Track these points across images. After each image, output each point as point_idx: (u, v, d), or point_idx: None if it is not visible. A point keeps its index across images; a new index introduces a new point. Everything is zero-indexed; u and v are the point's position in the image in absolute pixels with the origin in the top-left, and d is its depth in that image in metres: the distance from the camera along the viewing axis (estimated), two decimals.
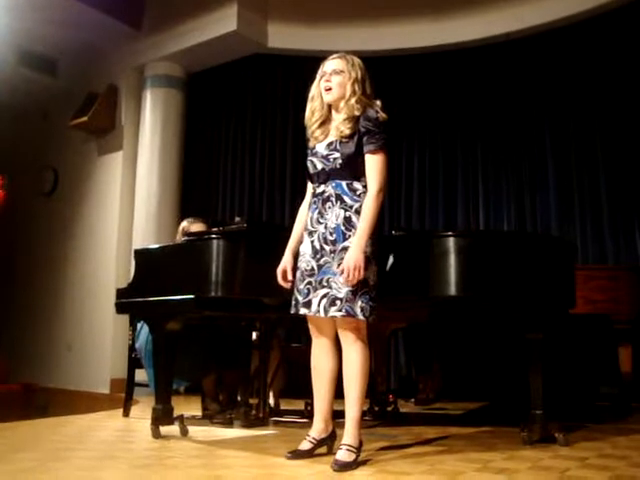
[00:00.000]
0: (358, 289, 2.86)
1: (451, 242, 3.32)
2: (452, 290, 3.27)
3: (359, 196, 2.96)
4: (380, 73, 7.03)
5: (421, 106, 6.99)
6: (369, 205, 2.91)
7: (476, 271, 3.30)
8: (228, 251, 3.39)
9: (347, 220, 2.93)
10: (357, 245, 2.84)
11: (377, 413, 4.63)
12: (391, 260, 3.18)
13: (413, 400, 5.79)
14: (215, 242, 3.41)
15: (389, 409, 4.76)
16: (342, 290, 2.85)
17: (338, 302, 2.85)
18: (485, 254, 3.34)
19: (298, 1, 7.10)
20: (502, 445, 3.43)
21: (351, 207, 2.94)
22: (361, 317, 2.86)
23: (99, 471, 2.78)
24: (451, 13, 6.62)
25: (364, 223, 2.88)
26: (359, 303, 2.86)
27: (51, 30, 7.14)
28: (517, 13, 6.30)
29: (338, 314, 2.85)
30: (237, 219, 3.99)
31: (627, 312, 4.86)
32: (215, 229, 3.84)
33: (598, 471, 2.78)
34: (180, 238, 4.56)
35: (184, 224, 4.86)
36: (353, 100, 3.01)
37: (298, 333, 5.02)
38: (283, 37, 7.05)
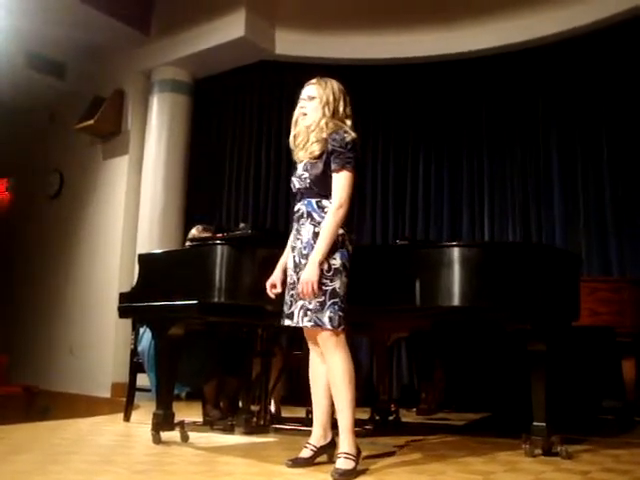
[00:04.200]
0: (326, 299, 2.93)
1: (456, 253, 3.32)
2: (456, 300, 3.27)
3: (327, 213, 3.03)
4: (385, 81, 7.08)
5: (427, 115, 6.98)
6: (327, 221, 3.00)
7: (480, 282, 3.30)
8: (232, 257, 3.39)
9: (316, 235, 3.01)
10: (311, 260, 2.95)
11: (379, 422, 4.61)
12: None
13: (415, 409, 5.77)
14: (219, 248, 3.41)
15: (391, 418, 4.75)
16: (312, 301, 2.93)
17: (309, 313, 2.95)
18: (490, 265, 3.34)
19: (306, 8, 7.11)
20: (504, 457, 3.42)
21: (319, 223, 3.03)
22: (329, 326, 2.93)
23: (98, 476, 2.78)
24: (459, 23, 6.62)
25: (320, 239, 2.98)
26: (327, 313, 2.92)
27: (59, 33, 7.16)
28: (525, 24, 6.30)
29: (308, 324, 2.96)
30: (241, 225, 4.01)
31: (631, 324, 4.83)
32: (219, 235, 3.84)
33: None
34: (187, 244, 4.57)
35: (194, 231, 4.87)
36: (322, 122, 3.12)
37: (300, 340, 5.01)
38: (290, 44, 7.06)
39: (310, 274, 2.90)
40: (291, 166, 7.06)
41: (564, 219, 6.14)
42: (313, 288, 2.88)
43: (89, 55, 7.60)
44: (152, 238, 7.13)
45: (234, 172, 7.59)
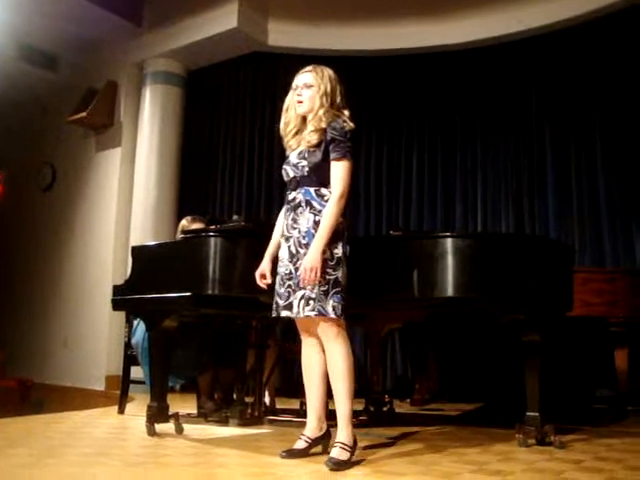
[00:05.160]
0: (330, 289, 2.93)
1: (449, 243, 3.32)
2: (449, 291, 3.27)
3: (327, 202, 3.03)
4: (379, 72, 7.07)
5: (421, 106, 6.98)
6: (329, 209, 2.99)
7: (474, 273, 3.30)
8: (225, 249, 3.39)
9: (317, 224, 3.01)
10: (314, 247, 2.93)
11: (373, 413, 4.62)
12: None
13: (409, 400, 5.78)
14: (213, 240, 3.41)
15: (385, 409, 4.76)
16: (314, 290, 2.92)
17: (311, 302, 2.93)
18: (483, 256, 3.34)
19: (298, 0, 7.09)
20: (497, 447, 3.43)
21: (320, 212, 3.03)
22: (332, 315, 2.92)
23: (93, 468, 2.78)
24: (454, 14, 6.61)
25: (322, 226, 2.97)
26: (330, 302, 2.93)
27: (52, 25, 7.13)
28: (519, 15, 6.30)
29: (312, 313, 2.93)
30: (235, 217, 4.00)
31: (623, 315, 4.86)
32: (213, 227, 3.84)
33: (593, 474, 2.78)
34: (179, 236, 4.56)
35: (183, 222, 4.86)
36: (321, 112, 3.10)
37: (294, 332, 5.03)
38: (283, 35, 7.04)
39: (313, 260, 2.88)
40: (284, 157, 7.13)
41: (557, 210, 6.15)
42: (316, 274, 2.87)
43: (81, 47, 7.57)
44: (145, 230, 7.12)
45: (227, 164, 7.58)
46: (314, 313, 2.92)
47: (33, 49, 7.65)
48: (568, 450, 3.34)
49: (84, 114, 7.48)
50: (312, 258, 2.90)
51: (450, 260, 3.28)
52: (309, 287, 2.92)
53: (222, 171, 7.60)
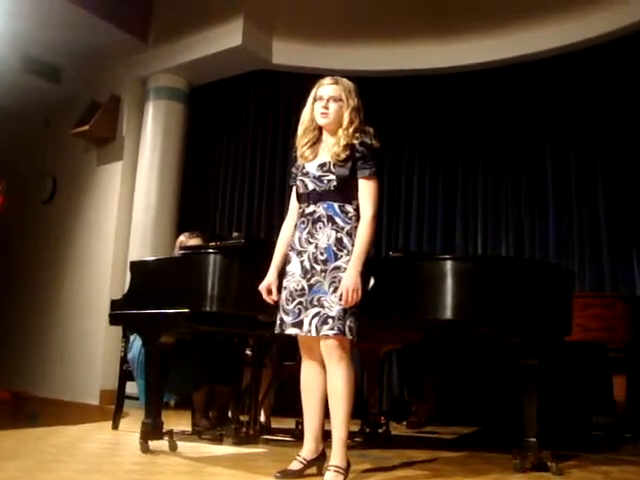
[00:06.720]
0: (349, 308, 2.89)
1: (449, 265, 3.31)
2: (448, 314, 3.25)
3: (350, 218, 3.02)
4: (382, 93, 7.08)
5: (422, 128, 6.99)
6: (365, 229, 2.97)
7: (473, 295, 3.29)
8: (224, 266, 3.37)
9: (339, 241, 2.97)
10: (354, 268, 2.89)
11: (368, 435, 4.59)
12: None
13: (405, 423, 5.75)
14: (212, 257, 3.39)
15: (380, 431, 4.72)
16: (334, 309, 2.88)
17: (330, 321, 2.87)
18: (483, 279, 3.33)
19: (304, 19, 7.12)
20: (494, 472, 3.40)
21: (342, 229, 2.99)
22: (349, 336, 2.89)
23: None
24: (456, 36, 6.63)
25: (360, 246, 2.94)
26: (348, 322, 2.89)
27: (57, 38, 7.16)
28: (522, 38, 6.32)
29: (330, 332, 2.87)
30: (235, 234, 3.99)
31: (622, 341, 4.83)
32: (212, 243, 3.83)
33: None
34: (177, 252, 4.56)
35: (181, 238, 4.88)
36: (351, 129, 3.07)
37: (292, 352, 5.00)
38: (288, 54, 7.07)
39: (355, 282, 2.86)
40: (286, 174, 7.13)
41: (558, 234, 6.15)
42: (358, 294, 2.86)
43: (86, 60, 7.58)
44: (145, 245, 7.11)
45: (228, 180, 7.59)
46: (333, 332, 2.86)
47: (37, 61, 7.66)
48: (565, 476, 3.31)
49: (87, 127, 7.49)
50: (353, 279, 2.86)
51: (450, 282, 3.27)
52: (327, 305, 2.88)
53: (223, 187, 7.61)
